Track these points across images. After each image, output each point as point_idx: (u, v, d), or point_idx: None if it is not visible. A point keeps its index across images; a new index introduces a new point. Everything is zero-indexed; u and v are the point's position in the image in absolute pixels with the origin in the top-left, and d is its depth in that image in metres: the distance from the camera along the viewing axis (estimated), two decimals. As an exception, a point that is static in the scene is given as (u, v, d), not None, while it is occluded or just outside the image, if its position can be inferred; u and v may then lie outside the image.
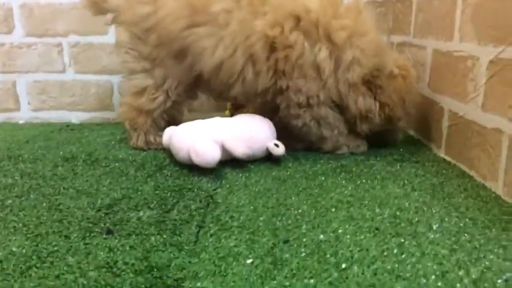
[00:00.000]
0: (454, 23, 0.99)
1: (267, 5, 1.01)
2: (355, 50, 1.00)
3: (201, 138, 0.93)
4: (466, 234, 0.66)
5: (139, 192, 0.83)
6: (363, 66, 1.01)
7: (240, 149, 0.94)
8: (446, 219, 0.71)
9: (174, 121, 1.15)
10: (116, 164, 0.99)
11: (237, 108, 1.39)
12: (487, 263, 0.59)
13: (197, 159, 0.90)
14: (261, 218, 0.72)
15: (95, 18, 1.47)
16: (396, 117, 1.07)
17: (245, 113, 1.36)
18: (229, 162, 0.97)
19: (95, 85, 1.51)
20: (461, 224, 0.70)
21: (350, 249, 0.63)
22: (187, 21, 1.03)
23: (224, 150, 0.94)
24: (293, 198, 0.81)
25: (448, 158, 1.03)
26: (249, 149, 0.96)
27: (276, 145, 0.99)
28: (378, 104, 1.04)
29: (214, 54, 1.02)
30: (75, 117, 1.53)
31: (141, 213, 0.74)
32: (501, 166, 0.81)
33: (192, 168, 0.94)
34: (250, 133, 0.99)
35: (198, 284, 0.55)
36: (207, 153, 0.90)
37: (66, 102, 1.53)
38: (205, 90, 1.18)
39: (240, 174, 0.93)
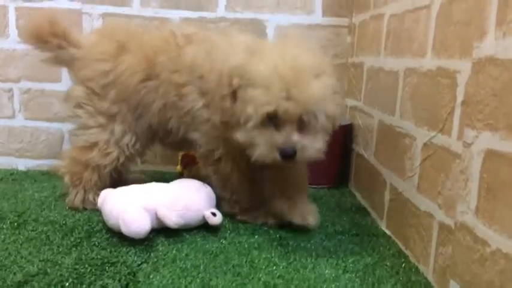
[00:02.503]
0: (396, 98, 1.00)
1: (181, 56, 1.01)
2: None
3: (131, 206, 0.89)
4: (385, 332, 0.64)
5: (57, 267, 0.78)
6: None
7: (173, 218, 0.91)
8: (369, 312, 0.69)
9: (119, 179, 1.12)
10: (44, 228, 0.94)
11: (186, 165, 1.37)
12: None
13: (125, 229, 0.86)
14: (178, 305, 0.69)
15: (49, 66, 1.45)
16: None
17: (195, 170, 1.35)
18: (164, 230, 0.94)
19: (45, 132, 1.47)
20: (383, 319, 0.68)
21: None
22: (142, 74, 1.03)
23: (157, 218, 0.91)
24: (219, 278, 0.77)
25: (388, 232, 1.01)
26: (182, 218, 0.93)
27: (213, 214, 0.97)
28: None
29: (154, 105, 1.03)
30: (23, 164, 1.48)
31: (51, 295, 0.70)
32: (432, 251, 0.80)
33: (122, 236, 0.90)
34: (186, 201, 0.96)
35: None
36: (136, 223, 0.86)
37: (14, 149, 1.48)
38: (160, 143, 1.17)
39: (172, 246, 0.89)
